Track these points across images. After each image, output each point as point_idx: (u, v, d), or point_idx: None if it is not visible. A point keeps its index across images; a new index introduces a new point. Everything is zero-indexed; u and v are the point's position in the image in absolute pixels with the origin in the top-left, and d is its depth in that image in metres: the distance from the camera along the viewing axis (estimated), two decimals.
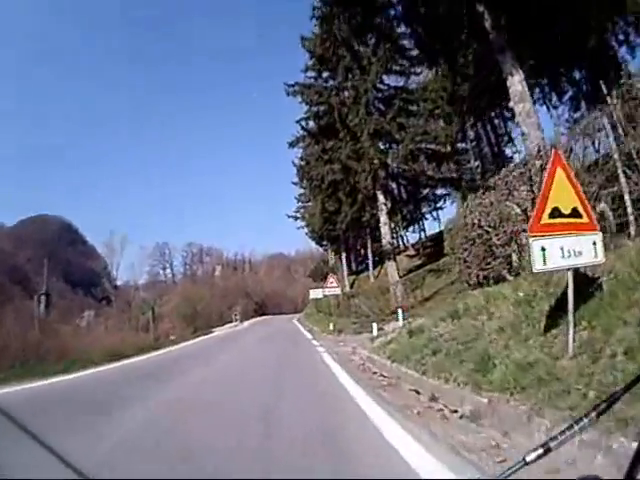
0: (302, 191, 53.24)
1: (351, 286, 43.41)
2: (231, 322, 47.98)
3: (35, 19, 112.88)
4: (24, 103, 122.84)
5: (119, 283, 72.52)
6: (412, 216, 43.81)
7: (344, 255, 44.88)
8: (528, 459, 1.22)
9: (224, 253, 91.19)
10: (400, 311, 13.79)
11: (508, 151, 36.27)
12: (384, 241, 26.24)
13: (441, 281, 23.80)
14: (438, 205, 45.98)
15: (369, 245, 44.20)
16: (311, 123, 28.62)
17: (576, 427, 1.25)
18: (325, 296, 31.29)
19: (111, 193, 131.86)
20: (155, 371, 12.00)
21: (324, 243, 50.72)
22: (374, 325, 13.49)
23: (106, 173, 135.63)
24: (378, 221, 35.63)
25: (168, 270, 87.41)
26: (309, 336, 21.90)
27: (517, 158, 32.88)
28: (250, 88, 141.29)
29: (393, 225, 40.90)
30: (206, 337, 29.61)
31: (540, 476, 2.11)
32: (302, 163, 30.94)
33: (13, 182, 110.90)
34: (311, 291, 34.53)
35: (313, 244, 59.94)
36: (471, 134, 37.11)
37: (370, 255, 43.77)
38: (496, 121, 35.55)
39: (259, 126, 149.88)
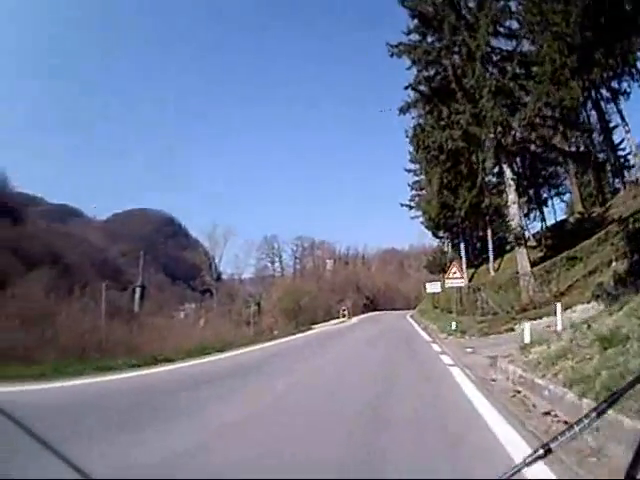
0: (416, 179, 50.28)
1: (470, 279, 38.73)
2: (338, 318, 45.45)
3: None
4: (133, 100, 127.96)
5: (224, 277, 69.78)
6: (537, 199, 38.18)
7: (462, 246, 40.18)
8: (528, 460, 1.21)
9: (336, 247, 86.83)
10: (559, 307, 9.81)
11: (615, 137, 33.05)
12: (513, 223, 21.87)
13: (575, 272, 19.15)
14: (558, 191, 40.43)
15: (489, 234, 39.06)
16: (422, 88, 24.82)
17: (576, 428, 1.23)
18: (443, 290, 27.66)
19: (220, 187, 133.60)
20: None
21: (440, 234, 46.04)
22: (526, 325, 9.62)
23: (214, 168, 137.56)
24: (497, 208, 31.33)
25: (277, 264, 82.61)
26: (427, 337, 18.41)
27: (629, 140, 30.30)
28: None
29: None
30: (304, 334, 26.35)
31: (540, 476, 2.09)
32: (417, 131, 26.73)
33: (112, 177, 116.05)
34: (427, 284, 30.88)
35: (427, 238, 55.80)
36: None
37: (490, 245, 38.62)
38: (602, 104, 31.81)
39: (372, 117, 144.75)
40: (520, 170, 29.92)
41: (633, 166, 31.40)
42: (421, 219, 48.29)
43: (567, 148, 31.51)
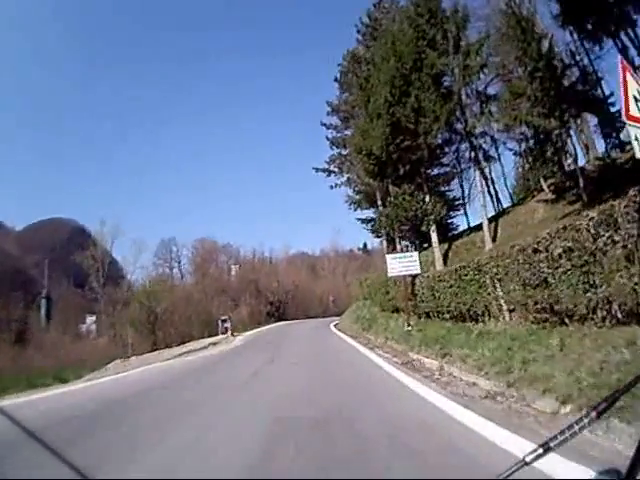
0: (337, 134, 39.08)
1: (444, 260, 22.46)
2: (217, 335, 30.56)
3: None
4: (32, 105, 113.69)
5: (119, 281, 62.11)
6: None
7: (427, 200, 23.04)
8: (528, 459, 1.20)
9: (241, 251, 73.26)
10: None
11: None
12: None
13: None
14: None
15: (477, 177, 23.09)
16: None
17: (576, 427, 1.21)
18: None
19: (121, 193, 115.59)
20: None
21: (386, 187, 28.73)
22: None
23: (117, 174, 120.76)
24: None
25: (176, 270, 70.46)
26: None
27: None
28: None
29: None
30: None
31: (540, 476, 1.97)
32: None
33: (23, 185, 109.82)
34: (390, 259, 14.16)
35: (342, 238, 42.50)
36: None
37: (482, 199, 22.42)
38: None
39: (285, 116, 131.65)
40: None
41: None
42: (345, 188, 37.59)
43: None
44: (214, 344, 22.01)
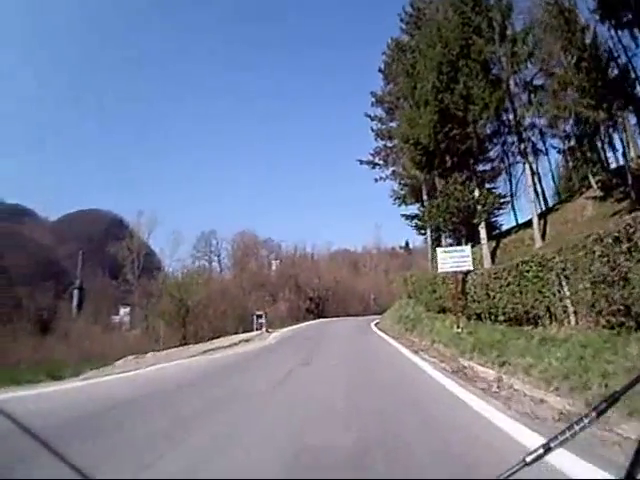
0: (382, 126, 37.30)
1: (492, 258, 21.31)
2: (252, 331, 29.89)
3: None
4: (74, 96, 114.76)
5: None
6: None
7: (477, 193, 22.08)
8: (528, 460, 1.17)
9: (282, 246, 72.47)
10: None
11: None
12: None
13: None
14: None
15: (527, 171, 21.94)
16: None
17: (576, 427, 1.19)
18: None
19: (160, 185, 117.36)
20: None
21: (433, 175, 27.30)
22: None
23: (159, 166, 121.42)
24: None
25: (215, 263, 69.96)
26: None
27: None
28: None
29: None
30: None
31: (540, 476, 1.81)
32: None
33: (62, 176, 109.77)
34: (439, 252, 13.41)
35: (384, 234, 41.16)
36: None
37: (532, 193, 21.32)
38: None
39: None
40: None
41: None
42: (389, 182, 36.24)
43: None
44: (246, 341, 21.28)
